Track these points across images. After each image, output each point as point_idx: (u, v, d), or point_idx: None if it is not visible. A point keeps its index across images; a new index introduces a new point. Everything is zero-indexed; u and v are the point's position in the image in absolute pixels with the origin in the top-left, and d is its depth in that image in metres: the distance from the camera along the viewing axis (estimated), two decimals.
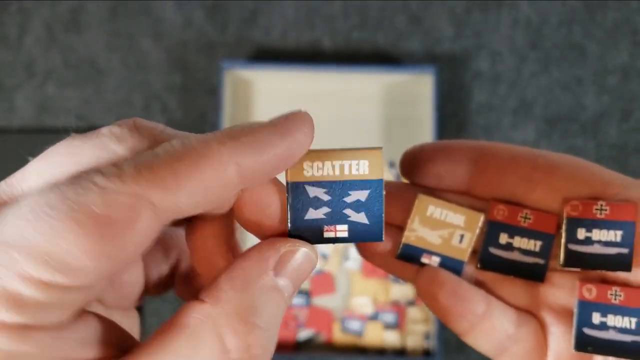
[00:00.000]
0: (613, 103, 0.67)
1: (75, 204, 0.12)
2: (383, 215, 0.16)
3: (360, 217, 0.16)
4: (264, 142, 0.15)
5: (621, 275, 0.19)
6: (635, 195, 0.19)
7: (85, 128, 0.59)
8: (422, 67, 0.64)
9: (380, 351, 0.61)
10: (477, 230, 0.20)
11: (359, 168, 0.15)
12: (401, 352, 0.61)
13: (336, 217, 0.16)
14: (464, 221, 0.19)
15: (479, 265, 0.20)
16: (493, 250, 0.20)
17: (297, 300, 0.62)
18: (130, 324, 0.17)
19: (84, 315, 0.14)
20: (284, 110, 0.71)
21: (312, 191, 0.16)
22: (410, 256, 0.19)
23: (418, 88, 0.66)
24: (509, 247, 0.20)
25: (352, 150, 0.16)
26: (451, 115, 0.67)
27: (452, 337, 0.62)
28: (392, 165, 0.65)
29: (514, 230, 0.20)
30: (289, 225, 0.16)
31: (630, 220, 0.19)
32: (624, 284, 0.19)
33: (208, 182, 0.14)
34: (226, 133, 0.15)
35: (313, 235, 0.16)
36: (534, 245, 0.20)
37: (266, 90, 0.67)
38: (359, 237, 0.16)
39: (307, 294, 0.61)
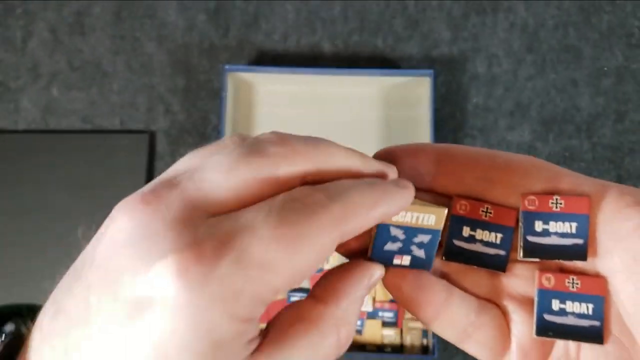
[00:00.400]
0: (608, 104, 0.68)
1: (309, 240, 0.17)
2: (434, 254, 0.21)
3: (420, 253, 0.21)
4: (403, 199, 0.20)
5: (578, 264, 0.20)
6: (588, 190, 0.21)
7: (90, 130, 0.61)
8: (420, 70, 0.65)
9: (379, 348, 0.62)
10: (442, 227, 0.21)
11: (429, 220, 0.21)
12: (399, 349, 0.62)
13: (404, 251, 0.21)
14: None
15: (443, 257, 0.21)
16: (457, 243, 0.21)
17: (298, 299, 0.62)
18: None
19: None
20: (284, 111, 0.72)
21: (394, 231, 0.21)
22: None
23: (416, 90, 0.67)
24: (471, 239, 0.21)
25: (426, 206, 0.21)
26: (449, 116, 0.68)
27: None
28: None
29: (476, 224, 0.21)
30: (371, 252, 0.21)
31: (584, 212, 0.20)
32: (581, 273, 0.20)
33: (365, 227, 0.19)
34: (380, 190, 0.19)
35: (385, 260, 0.21)
36: (495, 237, 0.21)
37: (267, 93, 0.68)
38: (416, 265, 0.21)
39: (308, 291, 0.62)
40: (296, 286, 0.17)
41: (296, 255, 0.16)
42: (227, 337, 0.16)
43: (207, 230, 0.16)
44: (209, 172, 0.17)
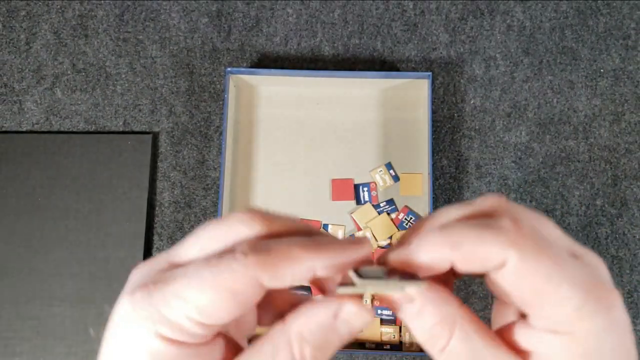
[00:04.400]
0: (604, 106, 0.69)
1: (218, 281, 0.20)
2: None
3: None
4: (337, 253, 0.22)
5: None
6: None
7: (94, 131, 0.62)
8: (418, 73, 0.66)
9: (378, 346, 0.63)
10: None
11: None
12: (398, 346, 0.63)
13: None
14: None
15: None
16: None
17: None
18: (244, 346, 0.25)
19: (217, 337, 0.22)
20: (285, 113, 0.74)
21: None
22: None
23: (414, 92, 0.68)
24: None
25: (402, 283, 0.22)
26: (446, 118, 0.68)
27: None
28: (389, 166, 0.67)
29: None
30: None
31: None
32: None
33: (297, 276, 0.21)
34: (314, 245, 0.22)
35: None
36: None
37: (268, 95, 0.69)
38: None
39: (308, 289, 0.63)
40: (218, 321, 0.21)
41: (206, 293, 0.20)
42: (160, 353, 0.20)
43: (159, 276, 0.22)
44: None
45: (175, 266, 0.22)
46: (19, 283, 0.64)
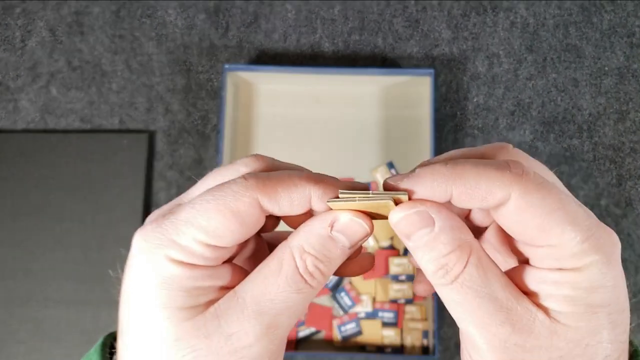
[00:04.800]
0: (609, 104, 0.68)
1: (221, 203, 0.22)
2: None
3: None
4: (334, 183, 0.24)
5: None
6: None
7: (89, 130, 0.60)
8: (420, 69, 0.65)
9: (379, 349, 0.62)
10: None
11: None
12: (400, 349, 0.62)
13: None
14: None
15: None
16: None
17: None
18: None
19: (226, 263, 0.23)
20: (284, 111, 0.72)
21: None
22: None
23: (416, 90, 0.67)
24: None
25: (387, 194, 0.23)
26: (449, 116, 0.68)
27: (451, 335, 0.62)
28: (391, 165, 0.66)
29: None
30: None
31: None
32: None
33: (294, 202, 0.23)
34: (313, 176, 0.24)
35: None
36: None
37: (267, 92, 0.68)
38: None
39: None
40: (225, 242, 0.22)
41: (210, 215, 0.22)
42: (170, 277, 0.21)
43: (165, 210, 0.24)
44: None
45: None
46: (13, 284, 0.63)
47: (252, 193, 0.22)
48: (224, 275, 0.23)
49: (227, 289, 0.23)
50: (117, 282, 0.23)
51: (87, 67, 0.69)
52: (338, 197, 0.23)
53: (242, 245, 0.25)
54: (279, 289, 0.22)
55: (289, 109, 0.68)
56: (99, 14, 0.70)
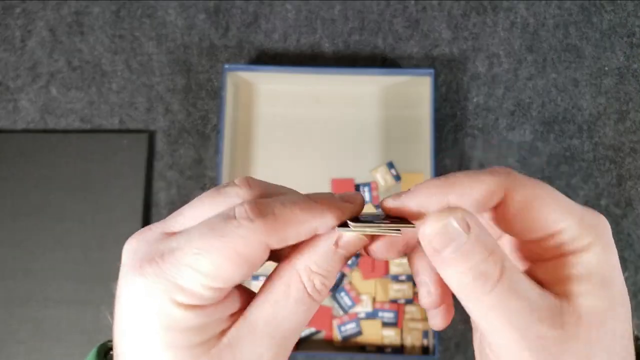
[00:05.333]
0: (609, 104, 0.68)
1: (229, 248, 0.21)
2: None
3: None
4: (336, 213, 0.24)
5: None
6: None
7: (89, 130, 0.60)
8: (420, 69, 0.65)
9: (379, 349, 0.62)
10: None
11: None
12: (400, 349, 0.62)
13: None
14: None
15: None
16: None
17: None
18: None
19: (230, 293, 0.23)
20: (284, 111, 0.72)
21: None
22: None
23: (416, 90, 0.67)
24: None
25: (396, 225, 0.23)
26: (449, 116, 0.68)
27: (451, 335, 0.62)
28: (391, 165, 0.66)
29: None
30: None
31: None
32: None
33: (301, 236, 0.23)
34: (315, 207, 0.23)
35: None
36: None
37: (267, 92, 0.68)
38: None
39: None
40: (230, 283, 0.22)
41: (218, 262, 0.21)
42: (176, 320, 0.21)
43: (161, 247, 0.22)
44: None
45: (171, 235, 0.23)
46: (13, 284, 0.63)
47: (260, 237, 0.21)
48: (230, 304, 0.23)
49: (235, 314, 0.23)
50: (111, 322, 0.23)
51: (87, 67, 0.69)
52: (348, 227, 0.23)
53: None
54: (290, 312, 0.22)
55: (289, 109, 0.68)
56: (99, 14, 0.70)
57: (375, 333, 0.62)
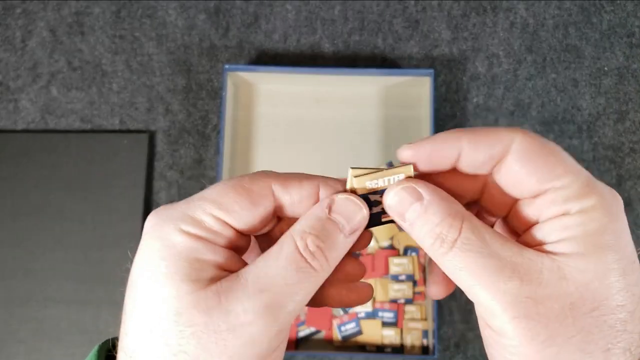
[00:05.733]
0: (609, 104, 0.68)
1: (236, 182, 0.23)
2: None
3: None
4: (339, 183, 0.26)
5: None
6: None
7: (90, 130, 0.61)
8: (420, 70, 0.65)
9: (379, 348, 0.62)
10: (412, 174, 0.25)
11: (399, 178, 0.25)
12: (400, 349, 0.62)
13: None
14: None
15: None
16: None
17: None
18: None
19: (231, 250, 0.24)
20: (285, 111, 0.72)
21: (372, 197, 0.25)
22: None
23: (416, 90, 0.67)
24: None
25: (394, 168, 0.24)
26: (449, 116, 0.68)
27: (451, 335, 0.62)
28: (391, 165, 0.66)
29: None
30: None
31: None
32: None
33: (303, 192, 0.24)
34: (320, 176, 0.25)
35: (375, 222, 0.25)
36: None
37: (267, 93, 0.68)
38: None
39: None
40: (236, 219, 0.23)
41: (225, 190, 0.23)
42: (177, 245, 0.22)
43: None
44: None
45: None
46: (13, 284, 0.63)
47: (266, 178, 0.24)
48: (227, 257, 0.23)
49: (229, 272, 0.23)
50: (126, 274, 0.24)
51: (87, 67, 0.69)
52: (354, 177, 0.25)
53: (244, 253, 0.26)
54: (281, 269, 0.22)
55: (289, 109, 0.68)
56: (99, 14, 0.70)
57: (375, 333, 0.62)
